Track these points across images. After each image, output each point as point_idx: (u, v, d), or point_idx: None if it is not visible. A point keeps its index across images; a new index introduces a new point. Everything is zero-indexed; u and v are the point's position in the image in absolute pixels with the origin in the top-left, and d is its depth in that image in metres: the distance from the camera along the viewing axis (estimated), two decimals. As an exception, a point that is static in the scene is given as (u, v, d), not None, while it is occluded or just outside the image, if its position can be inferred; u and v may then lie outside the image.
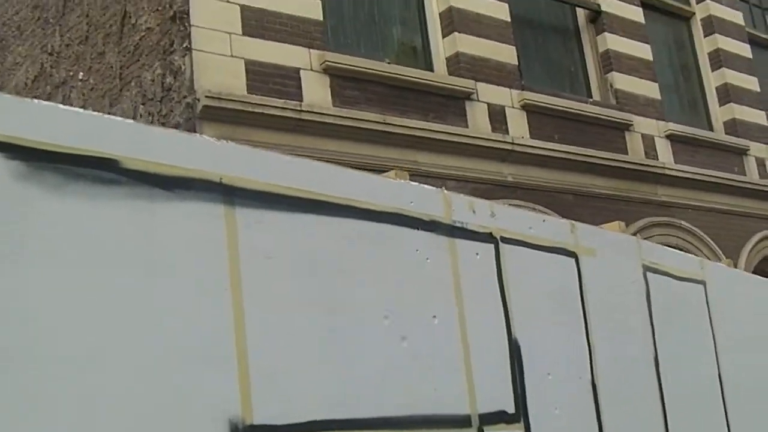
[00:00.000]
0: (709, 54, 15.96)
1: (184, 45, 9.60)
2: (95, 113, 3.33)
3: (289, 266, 3.66)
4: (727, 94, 15.69)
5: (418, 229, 4.28)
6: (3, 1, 14.23)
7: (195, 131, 9.24)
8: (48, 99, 12.09)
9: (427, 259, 4.29)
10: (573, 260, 5.30)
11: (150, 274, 3.19)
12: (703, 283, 6.92)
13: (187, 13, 9.65)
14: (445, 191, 4.59)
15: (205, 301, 3.33)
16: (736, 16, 16.62)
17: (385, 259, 4.08)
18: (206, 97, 9.24)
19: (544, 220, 5.34)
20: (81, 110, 3.29)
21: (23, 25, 13.31)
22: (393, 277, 4.10)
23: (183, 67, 9.54)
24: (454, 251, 4.44)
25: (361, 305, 3.92)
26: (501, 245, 4.73)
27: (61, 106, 3.20)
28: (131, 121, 3.50)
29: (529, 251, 4.95)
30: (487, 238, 4.68)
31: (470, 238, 4.56)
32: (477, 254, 4.59)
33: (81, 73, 11.61)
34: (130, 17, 10.76)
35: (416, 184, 4.49)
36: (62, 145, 3.03)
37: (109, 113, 10.63)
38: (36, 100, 3.13)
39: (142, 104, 10.16)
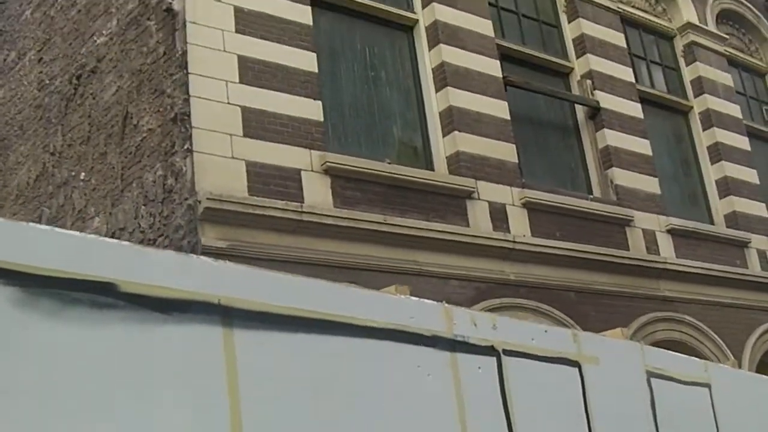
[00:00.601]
0: (708, 147, 16.03)
1: (185, 146, 9.65)
2: (91, 236, 3.32)
3: (290, 387, 3.61)
4: (726, 187, 15.73)
5: (419, 344, 4.24)
6: (6, 100, 14.35)
7: (196, 233, 9.26)
8: (50, 199, 12.16)
9: (429, 375, 4.24)
10: (576, 369, 5.24)
11: (148, 399, 3.15)
12: (708, 386, 6.84)
13: (188, 115, 9.73)
14: (446, 305, 4.56)
15: (204, 425, 3.28)
16: (734, 110, 16.74)
17: (386, 377, 4.03)
18: (207, 199, 9.25)
19: (546, 331, 5.30)
20: (77, 233, 3.28)
21: (25, 125, 13.41)
22: (394, 395, 4.05)
23: (184, 169, 9.58)
24: (455, 366, 4.39)
25: (362, 424, 3.86)
26: (503, 358, 4.69)
27: (58, 229, 3.19)
28: (127, 243, 3.49)
29: (532, 363, 4.90)
30: (489, 351, 4.63)
31: (472, 351, 4.52)
32: (479, 368, 4.54)
33: (83, 174, 11.66)
34: (131, 118, 10.84)
35: (416, 299, 4.45)
36: (59, 269, 3.01)
37: (110, 214, 10.70)
38: (32, 224, 3.12)
39: (144, 205, 10.19)
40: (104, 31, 11.90)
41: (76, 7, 12.79)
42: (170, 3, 10.40)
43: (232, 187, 9.60)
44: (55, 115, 12.63)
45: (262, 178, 9.88)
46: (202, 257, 3.74)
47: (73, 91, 12.30)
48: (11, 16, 14.85)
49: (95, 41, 12.06)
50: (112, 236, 10.56)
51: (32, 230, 3.07)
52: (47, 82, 13.08)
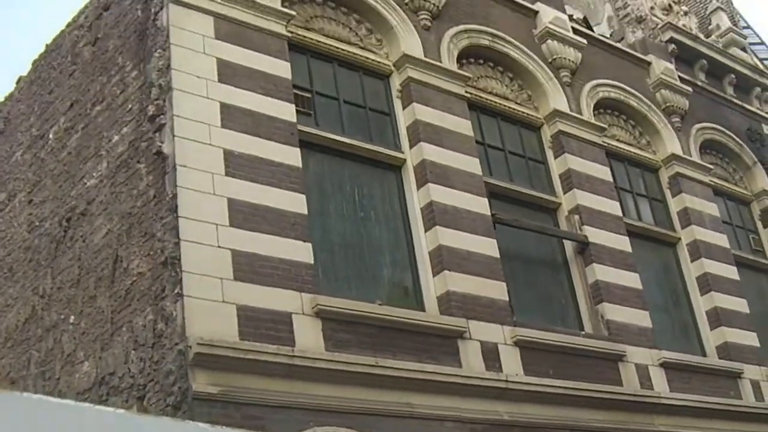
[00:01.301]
0: (698, 278, 16.05)
1: (176, 291, 9.62)
2: (85, 404, 3.28)
3: None
4: (717, 317, 15.70)
5: None
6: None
7: (187, 379, 9.16)
8: (38, 342, 12.06)
9: None
10: None
11: None
12: None
13: (179, 259, 9.72)
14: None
15: None
16: (721, 239, 16.82)
17: None
18: (198, 344, 9.18)
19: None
20: (71, 402, 3.24)
21: (15, 267, 13.38)
22: None
23: (174, 313, 9.53)
24: None
25: None
26: None
27: (52, 399, 3.16)
28: (122, 411, 3.45)
29: None
30: None
31: None
32: None
33: (72, 317, 11.59)
34: (121, 261, 10.83)
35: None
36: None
37: (100, 358, 10.60)
38: (26, 394, 3.08)
39: (134, 350, 10.10)
40: (94, 174, 11.98)
41: (67, 150, 12.90)
42: (160, 146, 10.50)
43: (222, 332, 9.53)
44: (44, 258, 12.62)
45: (253, 321, 9.82)
46: (197, 423, 3.68)
47: (62, 234, 12.31)
48: (1, 158, 14.96)
49: (85, 183, 12.13)
50: (102, 381, 10.46)
51: (25, 400, 3.02)
52: (37, 224, 13.11)
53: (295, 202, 10.84)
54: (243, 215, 10.35)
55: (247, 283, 10.00)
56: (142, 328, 10.04)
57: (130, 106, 11.52)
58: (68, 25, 14.04)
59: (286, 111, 11.37)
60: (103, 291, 11.04)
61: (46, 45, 14.54)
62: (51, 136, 13.46)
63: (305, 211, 10.88)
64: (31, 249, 13.05)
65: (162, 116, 10.63)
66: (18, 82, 15.26)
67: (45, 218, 12.92)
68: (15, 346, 12.72)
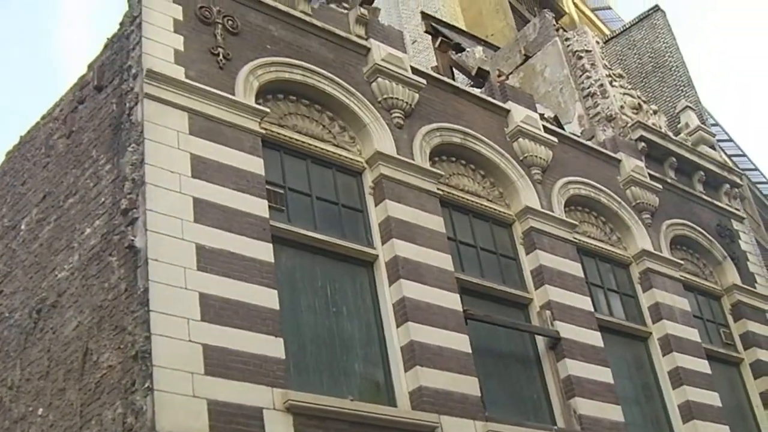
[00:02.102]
0: (669, 372, 16.09)
1: (146, 385, 9.58)
2: None
3: None
4: (689, 411, 15.71)
5: None
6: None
7: (154, 476, 9.08)
8: (6, 434, 11.92)
9: None
10: None
11: None
12: None
13: (149, 353, 9.70)
14: None
15: None
16: (693, 333, 16.90)
17: None
18: (168, 439, 9.12)
19: None
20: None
21: (-18, 361, 13.26)
22: None
23: (144, 408, 9.47)
24: None
25: None
26: None
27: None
28: None
29: None
30: None
31: None
32: None
33: (41, 409, 11.48)
34: (91, 354, 10.78)
35: None
36: None
37: (67, 453, 10.48)
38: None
39: (103, 444, 10.01)
40: (66, 266, 11.98)
41: (39, 241, 12.90)
42: (132, 240, 10.54)
43: (193, 427, 9.49)
44: (13, 349, 12.53)
45: (224, 416, 9.77)
46: None
47: (32, 325, 12.26)
48: (-27, 248, 14.90)
49: (56, 275, 12.12)
50: (68, 476, 10.34)
51: None
52: (7, 314, 13.05)
53: (267, 297, 10.86)
54: (215, 310, 10.36)
55: (218, 377, 9.97)
56: (111, 422, 9.96)
57: (103, 199, 11.57)
58: (43, 117, 14.15)
59: (259, 206, 11.45)
60: (72, 384, 10.96)
61: (21, 136, 14.62)
62: (23, 227, 13.47)
63: (277, 306, 10.90)
64: (1, 340, 12.96)
65: (135, 210, 10.69)
66: (-9, 172, 15.29)
67: (15, 309, 12.87)
68: (-18, 438, 12.57)
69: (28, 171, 14.01)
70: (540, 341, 14.10)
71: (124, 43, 12.22)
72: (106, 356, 10.45)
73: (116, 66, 12.35)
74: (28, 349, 12.19)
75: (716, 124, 26.09)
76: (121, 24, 12.60)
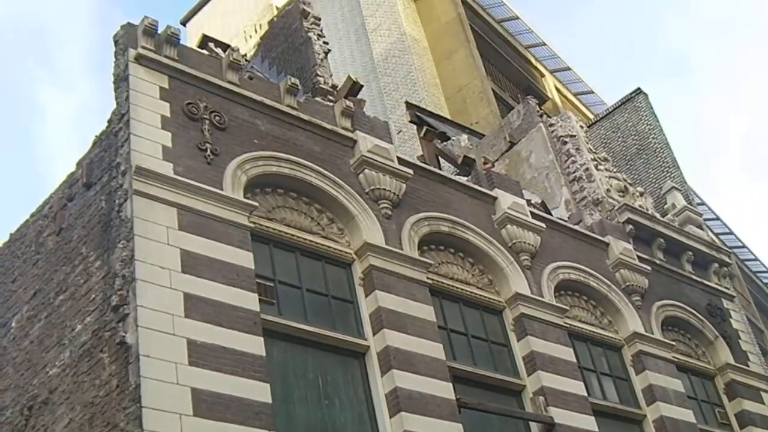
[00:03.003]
0: (666, 455, 16.00)
1: None
2: None
3: None
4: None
5: None
6: None
7: None
8: None
9: None
10: None
11: None
12: None
13: None
14: None
15: None
16: (687, 415, 16.84)
17: None
18: None
19: None
20: None
21: None
22: None
23: None
24: None
25: None
26: None
27: None
28: None
29: None
30: None
31: None
32: None
33: None
34: None
35: None
36: None
37: None
38: None
39: None
40: (57, 363, 11.97)
41: (29, 338, 12.89)
42: (123, 336, 10.54)
43: None
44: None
45: None
46: None
47: (24, 423, 12.21)
48: (-37, 345, 14.87)
49: (48, 372, 12.10)
50: None
51: None
52: (-2, 412, 12.97)
53: (259, 391, 10.84)
54: (207, 404, 10.34)
55: None
56: None
57: (93, 295, 11.60)
58: (32, 215, 14.24)
59: (249, 300, 11.48)
60: None
61: (10, 234, 14.68)
62: (13, 324, 13.46)
63: (269, 400, 10.87)
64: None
65: (125, 306, 10.72)
66: (-20, 270, 15.33)
67: (6, 407, 12.81)
68: None
69: (18, 268, 14.05)
70: (534, 428, 14.01)
71: (113, 140, 12.35)
72: None
73: (105, 163, 12.48)
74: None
75: (702, 203, 26.24)
76: (109, 121, 12.76)
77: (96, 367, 11.05)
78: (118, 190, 11.71)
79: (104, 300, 11.25)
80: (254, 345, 11.15)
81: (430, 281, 13.88)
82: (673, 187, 22.32)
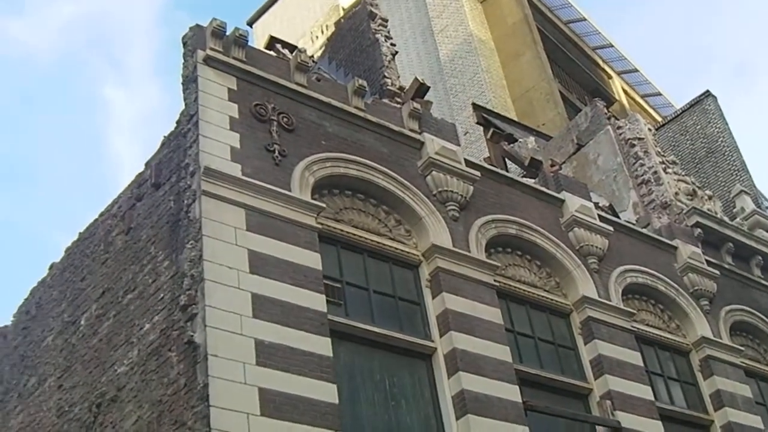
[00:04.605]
0: (731, 464, 15.80)
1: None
2: None
3: None
4: None
5: None
6: (24, 425, 14.29)
7: None
8: None
9: None
10: None
11: None
12: None
13: None
14: None
15: None
16: (755, 421, 16.60)
17: None
18: None
19: None
20: None
21: None
22: None
23: None
24: None
25: None
26: None
27: None
28: None
29: None
30: None
31: None
32: None
33: None
34: None
35: None
36: None
37: None
38: None
39: None
40: (125, 361, 12.08)
41: (98, 336, 13.03)
42: (192, 335, 10.61)
43: None
44: None
45: None
46: None
47: (92, 419, 12.33)
48: (33, 342, 15.10)
49: (116, 370, 12.22)
50: None
51: None
52: (67, 408, 13.13)
53: (327, 392, 10.86)
54: (274, 405, 10.37)
55: None
56: None
57: (161, 295, 11.70)
58: (101, 214, 14.40)
59: (317, 301, 11.51)
60: None
61: (80, 233, 14.87)
62: (82, 322, 13.62)
63: (336, 401, 10.88)
64: (61, 434, 13.04)
65: (194, 306, 10.79)
66: (51, 268, 15.55)
67: (75, 403, 12.95)
68: None
69: (87, 267, 14.21)
70: (600, 432, 13.93)
71: (181, 141, 12.45)
72: None
73: (173, 163, 12.58)
74: None
75: (772, 208, 25.88)
76: (178, 122, 12.87)
77: (164, 366, 11.13)
78: (186, 191, 11.79)
79: (172, 299, 11.34)
80: (322, 346, 11.17)
81: (497, 284, 13.82)
82: (742, 190, 22.02)
